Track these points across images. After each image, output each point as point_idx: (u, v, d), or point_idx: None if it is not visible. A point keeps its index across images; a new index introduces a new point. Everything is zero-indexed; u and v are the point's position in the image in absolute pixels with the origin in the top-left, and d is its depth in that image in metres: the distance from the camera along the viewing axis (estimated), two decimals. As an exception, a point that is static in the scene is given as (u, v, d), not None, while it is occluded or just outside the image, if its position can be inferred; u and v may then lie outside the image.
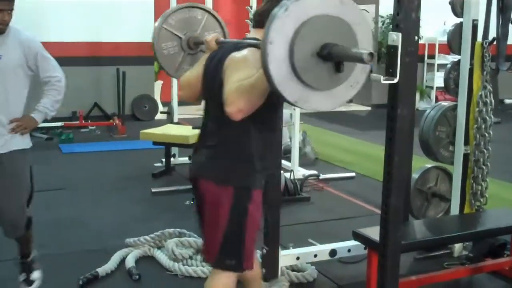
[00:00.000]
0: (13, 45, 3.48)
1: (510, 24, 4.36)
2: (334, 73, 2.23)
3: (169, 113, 7.73)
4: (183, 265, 4.17)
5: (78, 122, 9.22)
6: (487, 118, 4.31)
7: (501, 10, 4.33)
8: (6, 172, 3.56)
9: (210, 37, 3.10)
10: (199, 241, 4.36)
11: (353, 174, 6.87)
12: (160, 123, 7.83)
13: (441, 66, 11.29)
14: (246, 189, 2.75)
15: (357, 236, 3.62)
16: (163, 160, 6.82)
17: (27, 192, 3.73)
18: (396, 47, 2.57)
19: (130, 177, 6.58)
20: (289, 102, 2.24)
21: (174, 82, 7.51)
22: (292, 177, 6.03)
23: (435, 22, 10.80)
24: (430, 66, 11.89)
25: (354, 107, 12.41)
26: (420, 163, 4.79)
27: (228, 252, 2.79)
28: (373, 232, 3.32)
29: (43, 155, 7.59)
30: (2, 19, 3.31)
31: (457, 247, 4.43)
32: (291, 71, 2.16)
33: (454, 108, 4.44)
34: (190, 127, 6.71)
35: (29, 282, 3.85)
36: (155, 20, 3.75)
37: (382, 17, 11.61)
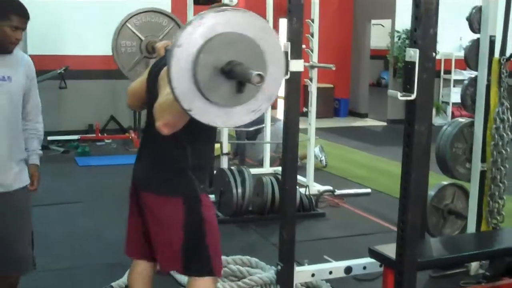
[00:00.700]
0: (18, 65, 3.27)
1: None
2: (234, 92, 2.20)
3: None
4: (198, 280, 4.15)
5: (94, 135, 9.26)
6: (504, 135, 4.28)
7: (519, 27, 4.31)
8: (18, 208, 3.31)
9: (161, 43, 3.11)
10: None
11: (368, 190, 6.84)
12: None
13: (457, 82, 11.24)
14: (194, 196, 2.78)
15: (372, 253, 3.59)
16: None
17: (31, 228, 3.52)
18: (413, 63, 2.57)
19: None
20: (183, 108, 2.18)
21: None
22: (307, 193, 6.01)
23: (451, 37, 10.76)
24: (446, 81, 11.85)
25: (370, 122, 12.40)
26: (437, 180, 4.76)
27: (193, 257, 2.78)
28: (389, 250, 3.29)
29: (60, 168, 7.63)
30: (16, 37, 3.10)
31: (474, 265, 4.38)
32: (192, 79, 2.15)
33: (471, 124, 4.41)
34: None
35: None
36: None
37: (398, 32, 11.59)
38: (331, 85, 12.53)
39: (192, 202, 2.77)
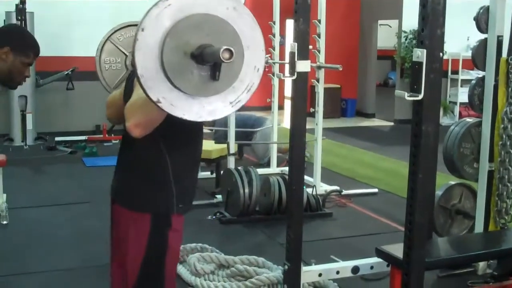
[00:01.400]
0: None
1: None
2: (208, 79, 2.00)
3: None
4: (205, 280, 4.16)
5: (101, 136, 9.29)
6: (512, 135, 4.27)
7: (527, 26, 4.30)
8: None
9: None
10: (221, 256, 4.36)
11: (375, 190, 6.83)
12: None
13: (464, 82, 11.23)
14: (164, 216, 2.46)
15: (380, 253, 3.59)
16: (186, 174, 6.83)
17: None
18: (421, 64, 2.56)
19: (153, 191, 6.59)
20: (151, 100, 1.98)
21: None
22: (314, 193, 6.01)
23: (458, 37, 10.74)
24: (454, 81, 11.83)
25: (377, 123, 12.39)
26: (444, 180, 4.76)
27: (145, 286, 2.49)
28: (397, 249, 3.29)
29: (67, 169, 7.67)
30: (26, 74, 2.93)
31: (482, 265, 4.37)
32: (159, 66, 1.95)
33: (479, 124, 4.40)
34: (213, 141, 6.73)
35: None
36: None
37: (405, 32, 11.58)
38: (338, 86, 12.53)
39: (160, 222, 2.45)
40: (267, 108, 8.14)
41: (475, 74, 9.95)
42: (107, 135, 9.28)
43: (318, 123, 6.60)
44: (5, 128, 9.22)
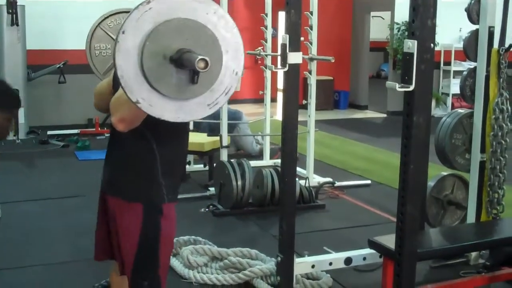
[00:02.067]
0: None
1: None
2: (187, 83, 2.05)
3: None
4: (198, 272, 4.16)
5: (94, 129, 9.27)
6: (504, 125, 4.28)
7: (518, 17, 4.31)
8: None
9: None
10: (214, 248, 4.37)
11: (368, 181, 6.84)
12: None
13: (457, 73, 11.24)
14: (156, 205, 2.55)
15: (372, 244, 3.60)
16: (178, 167, 6.83)
17: None
18: (411, 55, 2.56)
19: (146, 184, 6.59)
20: (130, 100, 2.04)
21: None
22: (307, 185, 6.02)
23: (451, 28, 10.76)
24: (446, 72, 11.84)
25: (370, 114, 12.40)
26: (436, 171, 4.77)
27: (141, 273, 2.60)
28: (389, 240, 3.30)
29: (59, 162, 7.65)
30: (11, 129, 2.98)
31: (474, 255, 4.39)
32: (139, 68, 2.01)
33: (470, 115, 4.41)
34: (205, 134, 6.73)
35: None
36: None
37: (397, 24, 11.58)
38: (331, 78, 12.53)
39: (152, 211, 2.54)
40: (260, 100, 8.15)
41: (467, 65, 9.92)
42: (99, 129, 9.26)
43: (310, 115, 6.60)
44: (-3, 122, 9.17)
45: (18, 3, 8.66)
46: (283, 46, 3.51)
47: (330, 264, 3.97)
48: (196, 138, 6.60)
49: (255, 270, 4.03)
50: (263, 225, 5.34)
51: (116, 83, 2.55)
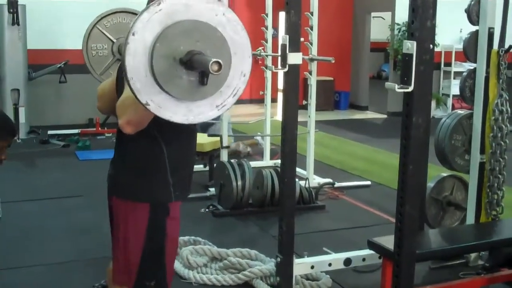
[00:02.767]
0: None
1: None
2: (196, 84, 2.05)
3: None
4: (198, 273, 4.17)
5: (94, 129, 9.28)
6: (503, 126, 4.28)
7: (518, 18, 4.32)
8: None
9: None
10: (214, 249, 4.37)
11: (368, 182, 6.85)
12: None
13: (457, 74, 11.22)
14: (163, 205, 2.55)
15: (371, 245, 3.61)
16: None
17: None
18: (411, 56, 2.57)
19: (146, 184, 6.59)
20: (140, 102, 2.03)
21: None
22: (307, 185, 6.02)
23: (451, 29, 10.76)
24: (447, 73, 11.84)
25: (370, 115, 12.41)
26: (436, 172, 4.77)
27: (148, 273, 2.57)
28: (388, 241, 3.30)
29: (60, 162, 7.66)
30: (5, 157, 2.88)
31: (473, 256, 4.40)
32: (149, 70, 2.00)
33: (470, 116, 4.42)
34: (205, 134, 6.73)
35: None
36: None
37: (398, 24, 11.58)
38: (331, 78, 12.53)
39: (158, 211, 2.53)
40: (260, 100, 8.15)
41: (468, 66, 9.95)
42: (100, 129, 9.26)
43: (310, 116, 6.61)
44: (-2, 121, 9.18)
45: (19, 3, 8.67)
46: (283, 46, 3.51)
47: (330, 265, 3.97)
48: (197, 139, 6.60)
49: (255, 271, 4.04)
50: (263, 225, 5.35)
51: (119, 86, 2.55)
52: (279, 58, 3.62)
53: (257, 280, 4.03)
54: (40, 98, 9.54)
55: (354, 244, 4.41)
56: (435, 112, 11.18)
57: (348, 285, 4.13)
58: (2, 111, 2.98)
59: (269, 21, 7.21)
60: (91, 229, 5.17)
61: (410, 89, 2.55)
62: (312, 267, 3.94)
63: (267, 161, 7.45)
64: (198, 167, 6.95)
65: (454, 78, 11.47)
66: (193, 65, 2.01)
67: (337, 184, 6.54)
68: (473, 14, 4.33)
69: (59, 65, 8.93)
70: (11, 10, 8.64)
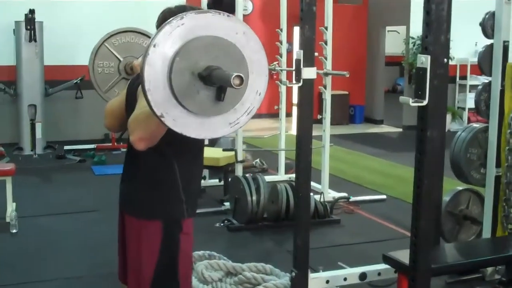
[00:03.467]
0: None
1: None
2: (213, 100, 2.05)
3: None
4: (213, 287, 4.17)
5: (110, 144, 9.32)
6: (519, 140, 4.26)
7: (533, 32, 4.30)
8: None
9: (137, 61, 2.95)
10: (229, 263, 4.37)
11: (384, 196, 6.82)
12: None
13: (473, 87, 11.18)
14: (176, 221, 2.55)
15: (387, 260, 3.59)
16: (194, 182, 6.84)
17: None
18: (425, 70, 2.57)
19: (161, 199, 6.61)
20: (154, 114, 2.02)
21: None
22: (322, 200, 6.01)
23: (466, 43, 10.74)
24: (462, 87, 11.81)
25: (385, 129, 12.38)
26: (452, 186, 4.75)
27: None
28: (403, 256, 3.29)
29: (76, 177, 7.70)
30: None
31: (490, 271, 4.36)
32: (167, 82, 2.00)
33: (486, 129, 4.40)
34: (221, 149, 6.75)
35: None
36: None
37: (413, 38, 11.58)
38: (346, 92, 12.53)
39: (171, 228, 2.53)
40: (275, 115, 8.16)
41: (483, 79, 9.90)
42: (115, 144, 9.30)
43: (325, 130, 6.60)
44: (15, 137, 9.27)
45: (36, 20, 8.76)
46: (297, 61, 3.53)
47: (345, 279, 3.95)
48: (212, 153, 6.62)
49: (270, 286, 4.03)
50: (278, 240, 5.34)
51: (129, 104, 2.56)
52: (294, 72, 3.64)
53: (272, 294, 4.02)
54: (56, 114, 9.61)
55: (370, 259, 4.39)
56: (451, 125, 11.14)
57: (363, 300, 4.11)
58: None
59: (283, 36, 7.24)
60: (107, 243, 5.16)
61: (425, 103, 2.56)
62: (328, 281, 3.92)
63: (281, 175, 7.45)
64: (213, 181, 6.97)
65: (469, 92, 11.45)
66: (212, 80, 2.02)
67: (352, 198, 6.53)
68: (488, 28, 4.33)
69: (75, 81, 9.01)
70: (29, 27, 8.74)
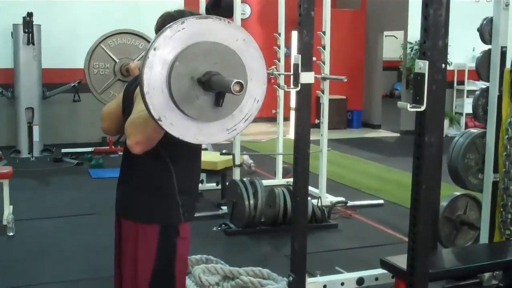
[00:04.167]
0: None
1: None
2: (211, 105, 2.06)
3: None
4: (210, 291, 4.17)
5: (107, 147, 9.32)
6: (517, 145, 4.27)
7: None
8: None
9: (134, 64, 2.96)
10: (226, 267, 4.36)
11: (381, 201, 6.82)
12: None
13: (470, 93, 11.21)
14: (173, 226, 2.54)
15: (384, 264, 3.59)
16: (191, 186, 6.84)
17: None
18: (423, 75, 2.58)
19: (158, 202, 6.60)
20: (152, 117, 2.02)
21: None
22: (319, 204, 6.01)
23: (464, 48, 10.77)
24: (460, 92, 11.83)
25: (383, 134, 12.39)
26: (449, 191, 4.75)
27: None
28: (401, 260, 3.29)
29: (73, 180, 7.69)
30: None
31: (487, 276, 4.36)
32: (166, 87, 2.00)
33: (483, 135, 4.41)
34: (218, 153, 6.75)
35: None
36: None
37: (410, 43, 11.60)
38: (344, 97, 12.55)
39: (168, 232, 2.52)
40: (273, 119, 8.16)
41: (481, 84, 9.92)
42: (113, 147, 9.30)
43: (323, 134, 6.61)
44: (12, 140, 9.26)
45: (34, 23, 8.76)
46: (295, 66, 3.53)
47: (342, 284, 3.95)
48: (209, 157, 6.63)
49: (267, 290, 4.03)
50: (275, 244, 5.34)
51: (125, 107, 2.57)
52: (292, 77, 3.64)
53: (270, 299, 4.02)
54: (54, 117, 9.61)
55: (367, 263, 4.39)
56: (448, 130, 11.15)
57: (361, 305, 4.11)
58: None
59: (281, 40, 7.25)
60: (105, 247, 5.15)
61: (423, 108, 2.56)
62: (325, 286, 3.92)
63: (279, 180, 7.45)
64: (210, 185, 6.96)
65: (467, 97, 11.47)
66: (211, 86, 2.02)
67: (349, 203, 6.53)
68: (486, 33, 4.34)
69: (73, 84, 9.00)
70: (26, 30, 8.74)
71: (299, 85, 3.50)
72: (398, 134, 12.06)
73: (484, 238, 4.38)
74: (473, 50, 10.96)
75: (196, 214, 6.02)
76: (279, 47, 7.24)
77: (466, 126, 11.35)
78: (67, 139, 9.72)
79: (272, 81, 7.60)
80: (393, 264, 3.49)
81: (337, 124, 12.12)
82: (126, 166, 2.66)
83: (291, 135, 9.62)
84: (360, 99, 13.14)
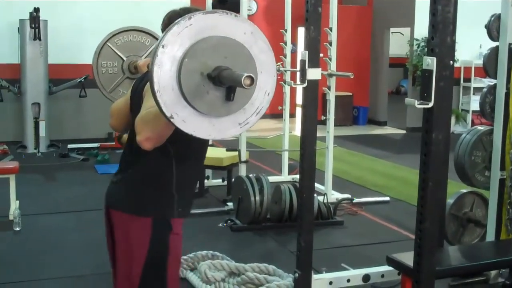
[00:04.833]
0: None
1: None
2: (223, 100, 2.05)
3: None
4: (215, 287, 4.16)
5: (114, 143, 9.33)
6: (524, 143, 4.25)
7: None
8: None
9: (142, 61, 2.94)
10: (232, 263, 4.37)
11: (387, 198, 6.81)
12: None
13: (477, 90, 11.18)
14: (165, 220, 2.51)
15: (390, 261, 3.59)
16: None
17: None
18: (430, 72, 2.57)
19: (164, 198, 6.61)
20: (164, 115, 2.01)
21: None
22: (325, 201, 6.00)
23: (471, 45, 10.73)
24: (466, 89, 11.80)
25: (389, 130, 12.37)
26: (456, 188, 4.74)
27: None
28: (407, 258, 3.29)
29: (79, 176, 7.71)
30: None
31: (493, 274, 4.35)
32: (176, 83, 1.99)
33: (490, 132, 4.39)
34: (224, 149, 6.74)
35: None
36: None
37: (417, 40, 11.57)
38: (350, 93, 12.53)
39: (161, 226, 2.50)
40: (279, 115, 8.16)
41: (487, 82, 9.90)
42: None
43: (329, 131, 6.60)
44: (19, 135, 9.29)
45: (41, 18, 8.77)
46: (302, 62, 3.52)
47: (348, 281, 3.94)
48: (215, 153, 6.62)
49: (273, 286, 4.03)
50: (281, 240, 5.33)
51: (134, 104, 2.56)
52: (298, 73, 3.63)
53: (275, 295, 4.02)
54: (60, 112, 9.63)
55: (373, 260, 4.38)
56: (455, 128, 11.12)
57: (366, 302, 4.11)
58: None
59: (288, 37, 7.24)
60: (110, 242, 5.18)
61: (430, 105, 2.55)
62: (331, 283, 3.91)
63: (285, 176, 7.45)
64: (216, 181, 6.96)
65: (473, 94, 11.43)
66: (221, 80, 2.00)
67: (355, 200, 6.52)
68: (493, 30, 4.32)
69: (79, 80, 9.01)
70: (33, 26, 8.75)
71: (306, 81, 3.49)
72: (404, 131, 12.04)
73: (490, 236, 4.37)
74: (480, 47, 10.92)
75: (202, 210, 6.09)
76: (285, 44, 7.23)
77: (473, 124, 11.33)
78: (73, 135, 9.74)
79: (278, 77, 7.59)
80: (399, 261, 3.49)
81: (343, 121, 12.12)
82: (125, 162, 2.64)
83: (297, 132, 9.61)
84: (366, 96, 13.12)
